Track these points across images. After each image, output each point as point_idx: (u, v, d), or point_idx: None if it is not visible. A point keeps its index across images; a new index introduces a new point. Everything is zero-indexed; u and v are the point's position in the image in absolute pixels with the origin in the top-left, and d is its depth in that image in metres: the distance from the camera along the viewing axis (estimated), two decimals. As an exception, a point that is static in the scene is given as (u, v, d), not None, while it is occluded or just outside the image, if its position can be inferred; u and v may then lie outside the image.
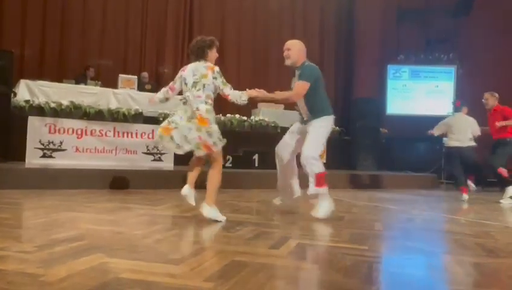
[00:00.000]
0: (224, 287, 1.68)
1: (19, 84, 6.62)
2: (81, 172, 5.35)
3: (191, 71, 3.33)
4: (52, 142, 6.16)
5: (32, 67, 8.43)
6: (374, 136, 9.72)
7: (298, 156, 3.85)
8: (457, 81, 11.35)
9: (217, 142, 3.20)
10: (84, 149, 6.40)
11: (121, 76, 7.59)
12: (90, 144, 6.45)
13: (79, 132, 6.38)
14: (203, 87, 3.26)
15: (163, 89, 3.60)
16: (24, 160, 5.92)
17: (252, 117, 8.47)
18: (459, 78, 11.28)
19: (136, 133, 6.82)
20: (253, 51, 11.15)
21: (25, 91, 6.59)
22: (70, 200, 4.12)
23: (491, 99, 6.24)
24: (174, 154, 6.86)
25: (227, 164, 6.98)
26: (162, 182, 5.62)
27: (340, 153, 9.16)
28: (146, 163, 6.80)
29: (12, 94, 6.32)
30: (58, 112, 6.33)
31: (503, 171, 6.00)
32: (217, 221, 3.21)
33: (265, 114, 8.57)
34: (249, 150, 7.40)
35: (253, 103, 3.98)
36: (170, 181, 5.47)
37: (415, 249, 2.69)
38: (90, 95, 6.98)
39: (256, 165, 7.34)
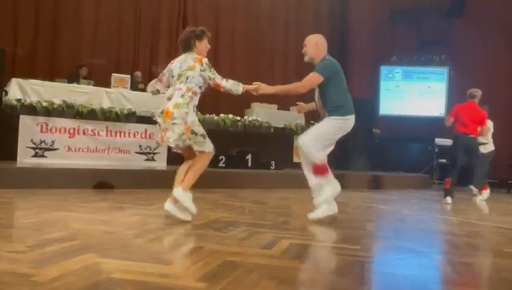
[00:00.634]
0: (217, 288, 1.68)
1: (11, 83, 6.56)
2: (73, 172, 5.32)
3: (178, 63, 3.26)
4: (44, 141, 6.11)
5: (24, 66, 8.37)
6: (367, 136, 9.75)
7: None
8: (449, 82, 11.45)
9: (177, 140, 3.06)
10: (76, 149, 6.36)
11: (114, 75, 7.55)
12: (83, 144, 6.42)
13: (71, 131, 6.34)
14: (186, 79, 3.15)
15: (152, 82, 3.55)
16: (16, 159, 5.87)
17: (245, 117, 8.47)
18: (451, 79, 11.38)
19: (129, 133, 6.79)
20: (247, 48, 11.24)
21: (17, 90, 6.52)
22: (62, 199, 4.09)
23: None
24: (167, 154, 6.94)
25: (221, 164, 6.98)
26: (155, 182, 5.59)
27: (332, 154, 9.15)
28: (139, 163, 6.78)
29: (3, 93, 6.27)
30: (50, 111, 6.28)
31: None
32: (186, 210, 3.10)
33: (258, 114, 8.57)
34: (242, 150, 7.40)
35: (253, 97, 3.84)
36: (163, 181, 5.44)
37: (407, 249, 2.71)
38: (82, 94, 6.92)
39: (250, 165, 7.34)
